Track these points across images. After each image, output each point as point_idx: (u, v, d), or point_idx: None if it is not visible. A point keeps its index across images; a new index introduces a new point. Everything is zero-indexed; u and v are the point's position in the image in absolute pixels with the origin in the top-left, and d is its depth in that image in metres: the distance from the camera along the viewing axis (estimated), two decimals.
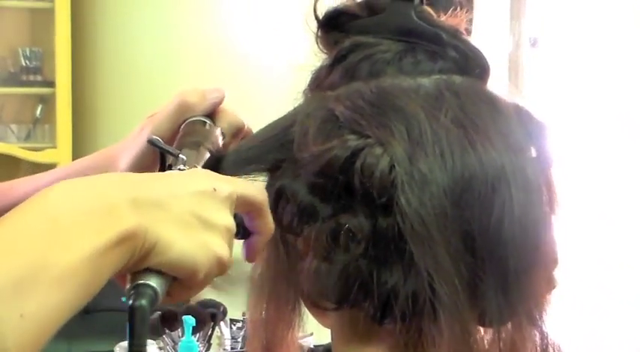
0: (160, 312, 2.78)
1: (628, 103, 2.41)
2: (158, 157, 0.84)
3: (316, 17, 0.85)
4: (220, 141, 0.91)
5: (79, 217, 0.63)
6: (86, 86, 4.29)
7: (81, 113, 4.24)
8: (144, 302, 0.66)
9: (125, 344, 2.57)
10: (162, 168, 0.83)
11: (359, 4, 0.85)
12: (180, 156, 0.82)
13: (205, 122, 0.91)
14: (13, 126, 4.37)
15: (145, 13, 4.17)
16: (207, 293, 3.33)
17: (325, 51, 0.85)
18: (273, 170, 0.81)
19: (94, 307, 4.03)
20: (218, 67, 3.78)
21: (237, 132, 0.93)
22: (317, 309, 0.80)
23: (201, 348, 2.72)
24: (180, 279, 0.68)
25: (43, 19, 4.29)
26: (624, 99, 2.42)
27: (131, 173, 0.72)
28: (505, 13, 2.72)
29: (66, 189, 0.65)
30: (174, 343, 2.75)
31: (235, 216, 0.72)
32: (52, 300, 0.60)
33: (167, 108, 0.93)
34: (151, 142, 0.83)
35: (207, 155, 0.85)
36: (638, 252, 2.32)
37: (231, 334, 2.89)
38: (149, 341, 2.58)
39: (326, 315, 0.81)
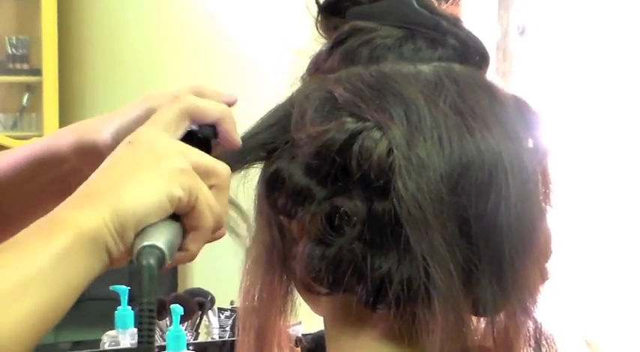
0: None
1: (618, 92, 2.41)
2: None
3: (317, 2, 0.85)
4: None
5: (32, 236, 0.71)
6: (73, 74, 4.28)
7: (68, 102, 4.23)
8: (152, 261, 0.70)
9: (113, 332, 2.57)
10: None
11: None
12: None
13: (209, 139, 0.84)
14: (0, 115, 4.35)
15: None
16: (195, 282, 3.34)
17: (325, 36, 0.85)
18: (271, 152, 0.81)
19: (81, 296, 4.02)
20: (211, 54, 3.76)
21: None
22: (310, 294, 0.80)
23: (189, 337, 2.72)
24: (188, 224, 0.73)
25: (29, 6, 4.28)
26: (614, 87, 2.42)
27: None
28: (493, 1, 2.72)
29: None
30: (162, 332, 2.74)
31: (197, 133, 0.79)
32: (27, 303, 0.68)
33: (170, 110, 0.83)
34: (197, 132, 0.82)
35: None
36: (631, 244, 2.32)
37: (219, 323, 2.89)
38: (135, 330, 2.58)
39: (319, 301, 0.81)
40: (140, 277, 0.69)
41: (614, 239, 2.33)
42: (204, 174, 0.75)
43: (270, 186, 0.79)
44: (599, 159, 2.40)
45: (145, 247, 0.70)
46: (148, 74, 3.93)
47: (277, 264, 0.82)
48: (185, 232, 0.74)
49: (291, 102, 0.82)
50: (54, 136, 0.96)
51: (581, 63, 2.52)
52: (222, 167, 0.77)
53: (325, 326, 0.82)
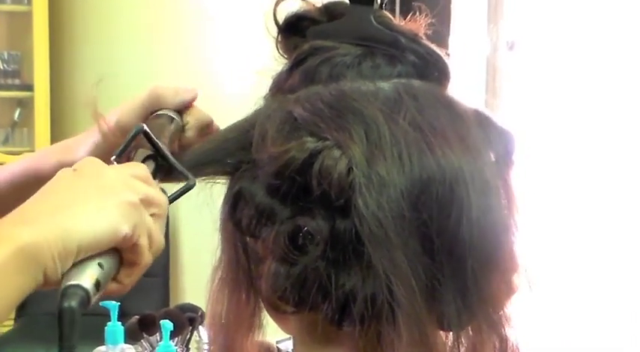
0: (137, 316, 2.77)
1: (607, 106, 2.41)
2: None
3: (276, 22, 0.85)
4: (186, 137, 0.92)
5: None
6: (64, 90, 4.28)
7: (59, 117, 4.22)
8: (73, 303, 0.67)
9: (103, 348, 2.56)
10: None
11: (319, 9, 0.85)
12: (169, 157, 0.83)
13: (172, 117, 0.91)
14: None
15: (123, 15, 4.17)
16: (186, 298, 3.33)
17: (285, 56, 0.86)
18: (232, 172, 0.81)
19: None
20: (194, 67, 3.77)
21: (205, 127, 0.94)
22: (277, 313, 0.80)
23: None
24: (126, 258, 0.72)
25: (20, 22, 4.28)
26: (603, 101, 2.42)
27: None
28: (482, 16, 2.73)
29: None
30: (152, 347, 2.74)
31: None
32: None
33: (138, 97, 0.96)
34: (141, 131, 0.83)
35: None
36: (611, 256, 2.32)
37: (209, 338, 2.88)
38: (127, 345, 2.57)
39: (286, 320, 0.81)
40: (60, 320, 0.67)
41: (598, 250, 2.33)
42: (146, 203, 0.74)
43: (234, 206, 0.80)
44: (587, 172, 2.41)
45: (69, 287, 0.68)
46: (138, 89, 3.92)
47: (243, 283, 0.82)
48: (121, 265, 0.73)
49: (252, 119, 0.82)
50: (37, 157, 0.99)
51: (570, 77, 2.53)
52: (161, 197, 0.77)
53: (294, 344, 0.82)
